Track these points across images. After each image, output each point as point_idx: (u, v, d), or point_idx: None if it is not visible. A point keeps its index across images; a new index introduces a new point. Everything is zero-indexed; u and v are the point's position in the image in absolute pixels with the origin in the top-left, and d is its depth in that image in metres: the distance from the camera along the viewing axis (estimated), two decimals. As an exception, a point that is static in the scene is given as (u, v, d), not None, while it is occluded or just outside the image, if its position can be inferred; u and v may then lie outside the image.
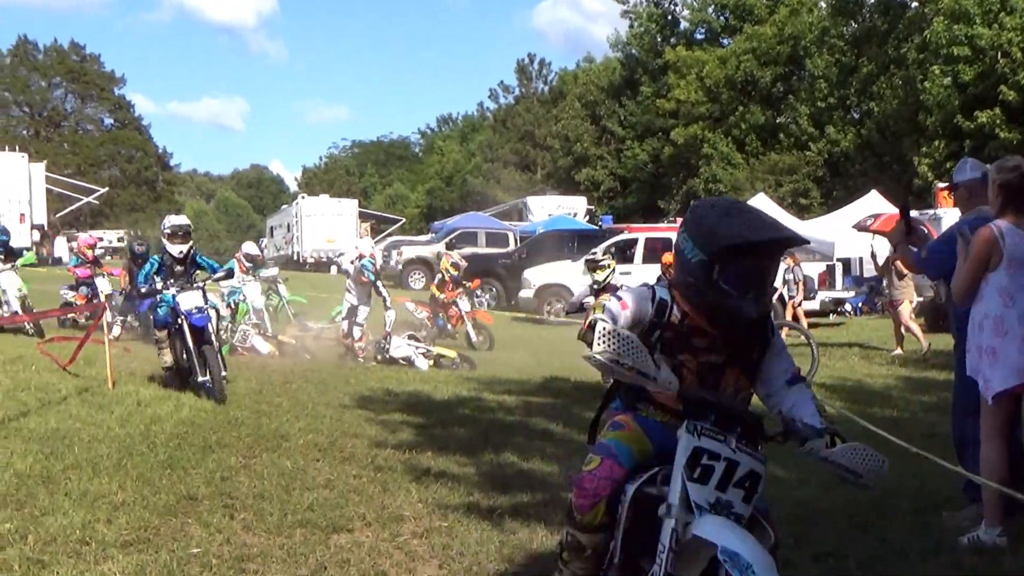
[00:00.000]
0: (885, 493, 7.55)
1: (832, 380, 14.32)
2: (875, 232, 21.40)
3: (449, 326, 19.81)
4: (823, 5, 52.24)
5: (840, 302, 26.78)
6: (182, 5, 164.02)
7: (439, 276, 20.07)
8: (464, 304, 20.01)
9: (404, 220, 66.26)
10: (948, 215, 22.94)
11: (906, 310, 17.51)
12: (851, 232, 25.64)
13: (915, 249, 7.25)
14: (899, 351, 17.21)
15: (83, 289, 18.40)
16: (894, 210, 19.99)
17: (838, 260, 26.92)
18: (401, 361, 16.06)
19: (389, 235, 51.79)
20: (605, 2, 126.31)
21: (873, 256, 21.42)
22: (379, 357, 16.36)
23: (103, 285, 18.37)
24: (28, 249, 16.36)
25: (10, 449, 8.10)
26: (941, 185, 29.19)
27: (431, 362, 16.11)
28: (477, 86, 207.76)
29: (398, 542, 6.33)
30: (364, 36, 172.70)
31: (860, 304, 27.54)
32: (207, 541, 6.16)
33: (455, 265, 19.85)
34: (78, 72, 78.06)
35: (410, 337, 16.78)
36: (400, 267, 35.60)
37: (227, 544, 6.13)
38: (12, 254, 17.81)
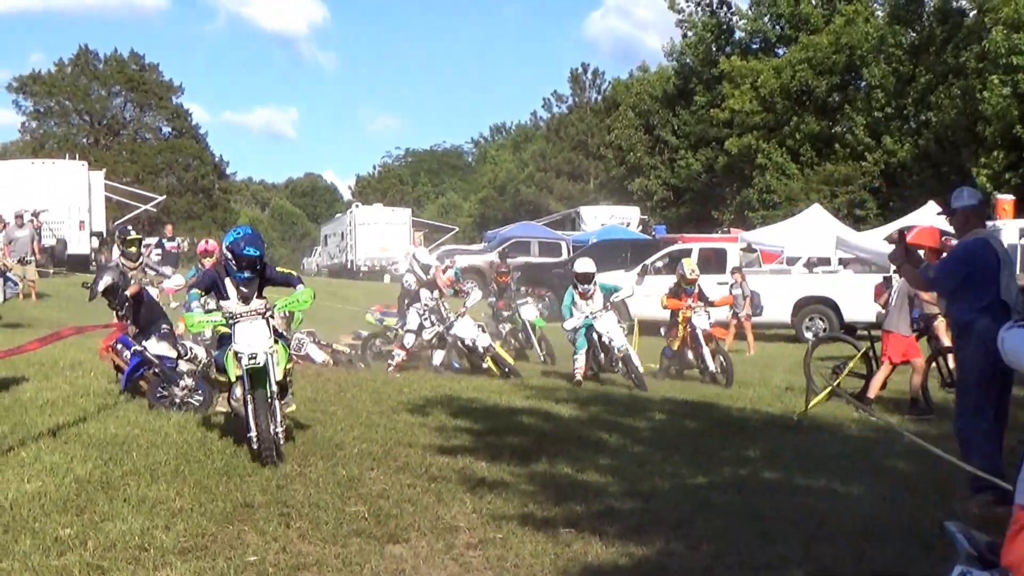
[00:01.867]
0: (949, 511, 7.44)
1: (889, 394, 14.14)
2: (909, 245, 20.98)
3: (672, 347, 16.57)
4: (880, 14, 51.73)
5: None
6: (237, 15, 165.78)
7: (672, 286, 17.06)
8: (700, 320, 16.21)
9: (457, 229, 66.35)
10: (1008, 226, 22.59)
11: (942, 324, 17.25)
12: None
13: (922, 268, 8.08)
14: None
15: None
16: (928, 222, 19.72)
17: (895, 272, 26.58)
18: (462, 343, 15.81)
19: (442, 244, 51.96)
20: (655, 11, 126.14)
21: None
22: (436, 341, 15.84)
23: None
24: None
25: (70, 454, 8.20)
26: (1000, 196, 28.81)
27: (488, 357, 15.69)
28: (530, 95, 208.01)
29: (453, 553, 6.34)
30: (416, 45, 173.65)
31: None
32: (263, 549, 6.20)
33: (684, 277, 16.59)
34: (137, 81, 78.98)
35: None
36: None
37: (283, 552, 6.17)
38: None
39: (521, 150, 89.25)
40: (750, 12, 57.11)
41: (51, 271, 31.48)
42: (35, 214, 29.94)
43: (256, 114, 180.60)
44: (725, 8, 58.18)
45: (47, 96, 77.51)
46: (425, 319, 15.68)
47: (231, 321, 8.88)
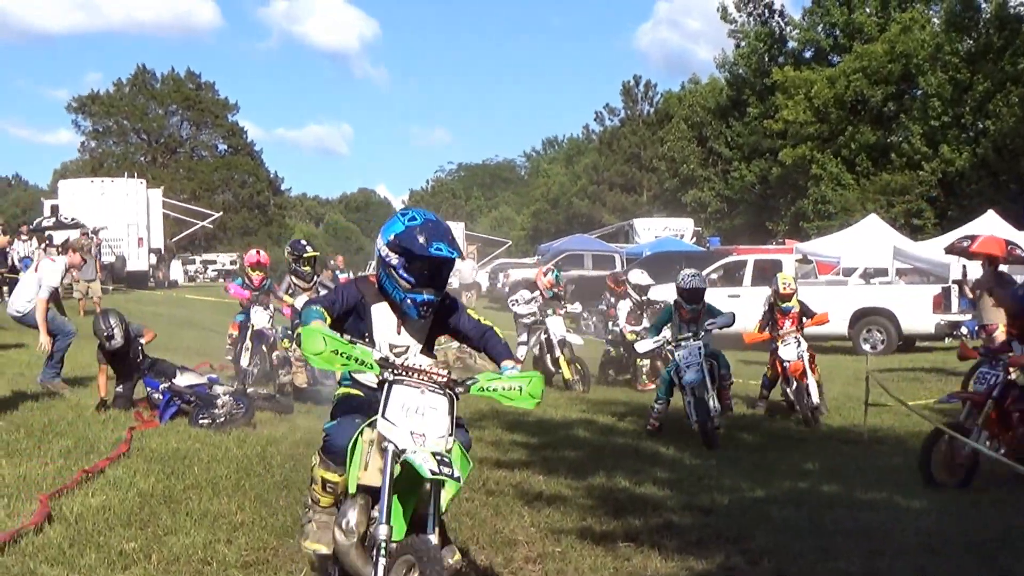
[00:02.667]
0: (1012, 524, 7.34)
1: (951, 407, 13.94)
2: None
3: (767, 376, 13.67)
4: (936, 22, 51.18)
5: (956, 325, 26.05)
6: (290, 32, 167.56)
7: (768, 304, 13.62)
8: (787, 351, 12.86)
9: (510, 243, 66.56)
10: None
11: (1001, 334, 16.87)
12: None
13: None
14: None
15: (238, 317, 14.28)
16: (992, 231, 19.32)
17: (953, 282, 26.20)
18: (548, 335, 15.98)
19: (496, 258, 52.06)
20: (706, 22, 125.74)
21: (964, 279, 20.48)
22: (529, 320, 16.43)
23: (258, 318, 13.76)
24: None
25: (133, 469, 8.31)
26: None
27: (566, 358, 15.65)
28: (582, 108, 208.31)
29: (512, 567, 6.34)
30: (467, 60, 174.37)
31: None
32: (324, 562, 6.23)
33: (778, 292, 13.18)
34: (193, 100, 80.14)
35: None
36: (507, 289, 35.69)
37: (343, 566, 6.19)
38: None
39: (574, 163, 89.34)
40: (803, 21, 56.81)
41: (111, 287, 32.02)
42: (95, 231, 30.50)
43: (309, 130, 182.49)
44: (777, 18, 57.91)
45: (105, 116, 78.96)
46: (524, 306, 16.41)
47: (387, 375, 4.69)
